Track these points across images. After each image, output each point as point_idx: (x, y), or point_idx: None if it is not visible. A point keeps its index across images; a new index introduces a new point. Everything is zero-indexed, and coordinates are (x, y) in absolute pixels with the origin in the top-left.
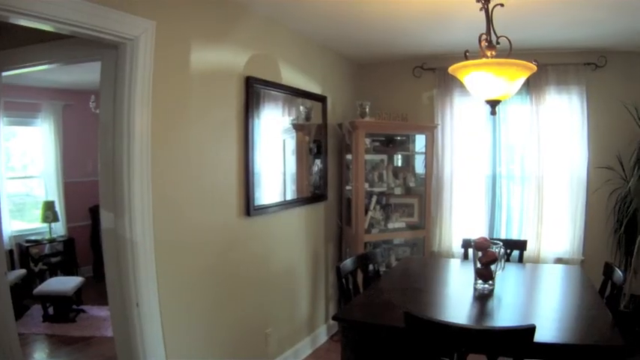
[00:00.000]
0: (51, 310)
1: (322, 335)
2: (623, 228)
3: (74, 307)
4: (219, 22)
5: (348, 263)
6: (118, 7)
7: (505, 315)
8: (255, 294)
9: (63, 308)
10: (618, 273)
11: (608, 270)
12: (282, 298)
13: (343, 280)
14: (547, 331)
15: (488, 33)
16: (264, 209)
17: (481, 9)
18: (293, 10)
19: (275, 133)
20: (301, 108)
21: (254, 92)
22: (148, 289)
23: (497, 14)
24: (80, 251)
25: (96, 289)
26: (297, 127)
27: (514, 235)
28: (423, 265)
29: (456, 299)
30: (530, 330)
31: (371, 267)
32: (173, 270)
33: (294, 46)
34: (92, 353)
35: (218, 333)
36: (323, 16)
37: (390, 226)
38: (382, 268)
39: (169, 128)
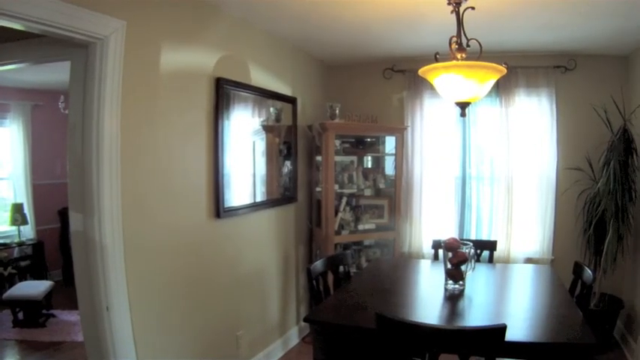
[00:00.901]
0: (21, 315)
1: (294, 337)
2: (592, 228)
3: (44, 311)
4: (191, 22)
5: (318, 265)
6: (88, 6)
7: (476, 315)
8: (226, 296)
9: (33, 313)
10: (588, 272)
11: (577, 269)
12: (253, 300)
13: (314, 281)
14: (518, 330)
15: (458, 36)
16: (234, 211)
17: (452, 12)
18: (265, 12)
19: (245, 134)
20: (271, 109)
21: (224, 93)
22: (118, 292)
23: (468, 17)
24: (49, 255)
25: (66, 293)
26: (267, 128)
27: (484, 236)
28: (394, 266)
29: (426, 300)
30: (501, 329)
31: (341, 268)
32: (143, 272)
33: (265, 47)
34: (63, 359)
35: (189, 336)
36: (295, 17)
37: (360, 227)
38: (353, 270)
39: (139, 129)
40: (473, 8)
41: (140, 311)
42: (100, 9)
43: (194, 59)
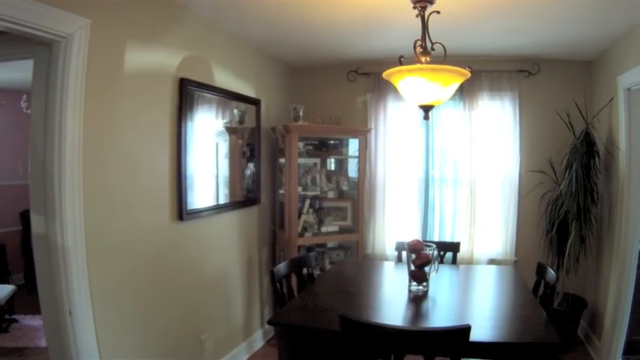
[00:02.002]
0: None
1: (258, 340)
2: (554, 229)
3: (6, 316)
4: (157, 22)
5: (281, 267)
6: (53, 4)
7: (440, 316)
8: (190, 300)
9: None
10: (551, 272)
11: (540, 270)
12: (217, 303)
13: (277, 284)
14: (483, 331)
15: (423, 39)
16: (197, 213)
17: (417, 16)
18: (232, 12)
19: (208, 136)
20: (235, 111)
21: (188, 94)
22: (80, 296)
23: (433, 21)
24: (11, 258)
25: (28, 298)
26: (230, 130)
27: (447, 238)
28: (357, 268)
29: (390, 301)
30: (466, 330)
31: (305, 271)
32: (106, 276)
33: (230, 48)
34: None
35: (154, 340)
36: (260, 18)
37: (324, 229)
38: (316, 272)
39: (102, 129)
40: (438, 12)
41: (103, 315)
42: (65, 7)
43: (158, 59)
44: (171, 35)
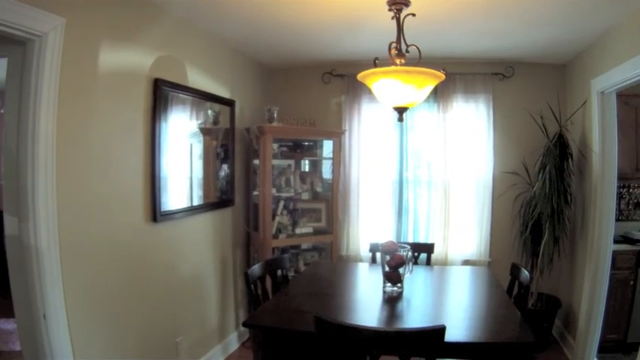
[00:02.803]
0: None
1: (233, 342)
2: (528, 230)
3: None
4: (132, 21)
5: (256, 269)
6: (27, 1)
7: (415, 316)
8: (164, 302)
9: None
10: (525, 273)
11: (515, 270)
12: (191, 305)
13: (252, 285)
14: (457, 331)
15: (398, 41)
16: (171, 215)
17: (393, 18)
18: (206, 12)
19: (182, 137)
20: (209, 112)
21: (162, 95)
22: (54, 299)
23: (409, 23)
24: None
25: (2, 301)
26: (204, 131)
27: (421, 239)
28: (332, 270)
29: (365, 303)
30: (441, 330)
31: (279, 272)
32: (80, 278)
33: (205, 48)
34: None
35: (128, 343)
36: (234, 19)
37: (298, 231)
38: (291, 274)
39: (75, 130)
40: (414, 15)
41: (78, 318)
42: (40, 5)
43: (133, 59)
44: (145, 35)
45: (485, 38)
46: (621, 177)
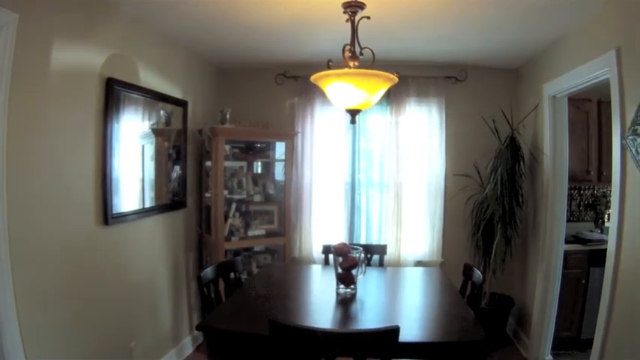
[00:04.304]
0: None
1: (188, 346)
2: (480, 231)
3: None
4: (85, 19)
5: (208, 272)
6: None
7: (369, 317)
8: (117, 306)
9: None
10: (477, 273)
11: (467, 271)
12: (145, 309)
13: (205, 289)
14: (412, 331)
15: (352, 44)
16: (122, 217)
17: (347, 20)
18: (160, 11)
19: (134, 137)
20: (162, 112)
21: (115, 94)
22: (5, 302)
23: (363, 26)
24: None
25: None
26: (156, 132)
27: (374, 240)
28: (285, 272)
29: (319, 304)
30: (395, 331)
31: (232, 275)
32: (32, 282)
33: (158, 47)
34: None
35: (81, 348)
36: (187, 18)
37: (250, 233)
38: (244, 276)
39: (26, 129)
40: (368, 18)
41: (30, 323)
42: None
43: (86, 58)
44: (99, 33)
45: (439, 42)
46: (572, 179)
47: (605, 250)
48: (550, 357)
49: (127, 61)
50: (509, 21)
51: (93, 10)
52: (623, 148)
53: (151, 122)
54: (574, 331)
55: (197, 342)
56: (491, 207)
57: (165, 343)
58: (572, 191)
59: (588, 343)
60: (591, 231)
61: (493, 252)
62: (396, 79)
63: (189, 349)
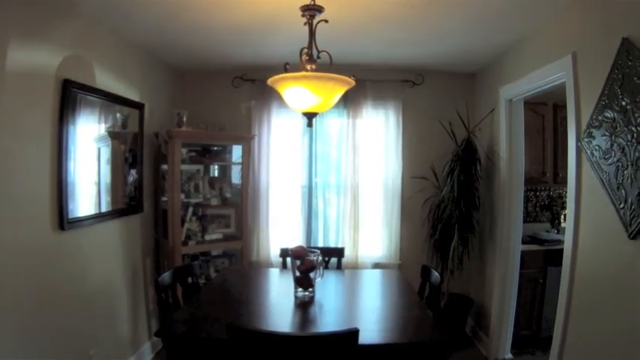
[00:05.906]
0: None
1: (147, 352)
2: (438, 233)
3: None
4: (43, 18)
5: (166, 277)
6: None
7: (328, 320)
8: (75, 313)
9: None
10: (435, 274)
11: (425, 272)
12: (103, 316)
13: (163, 294)
14: (371, 333)
15: (309, 47)
16: (79, 222)
17: (305, 24)
18: (116, 12)
19: (90, 140)
20: (118, 115)
21: (70, 96)
22: None
23: (320, 29)
24: None
25: None
26: (113, 135)
27: (331, 243)
28: (243, 276)
29: (277, 308)
30: (354, 333)
31: (190, 280)
32: None
33: (114, 49)
34: None
35: (40, 356)
36: (145, 20)
37: (208, 237)
38: (202, 281)
39: None
40: (326, 21)
41: None
42: None
43: (42, 58)
44: (56, 34)
45: (396, 46)
46: (529, 181)
47: (562, 249)
48: (510, 355)
49: (83, 62)
50: (464, 27)
51: (48, 10)
52: (579, 150)
53: (108, 125)
54: (533, 329)
55: (157, 348)
56: (448, 209)
57: (124, 350)
58: (529, 193)
59: (547, 341)
60: (548, 231)
61: (451, 253)
62: (353, 83)
63: (148, 356)
